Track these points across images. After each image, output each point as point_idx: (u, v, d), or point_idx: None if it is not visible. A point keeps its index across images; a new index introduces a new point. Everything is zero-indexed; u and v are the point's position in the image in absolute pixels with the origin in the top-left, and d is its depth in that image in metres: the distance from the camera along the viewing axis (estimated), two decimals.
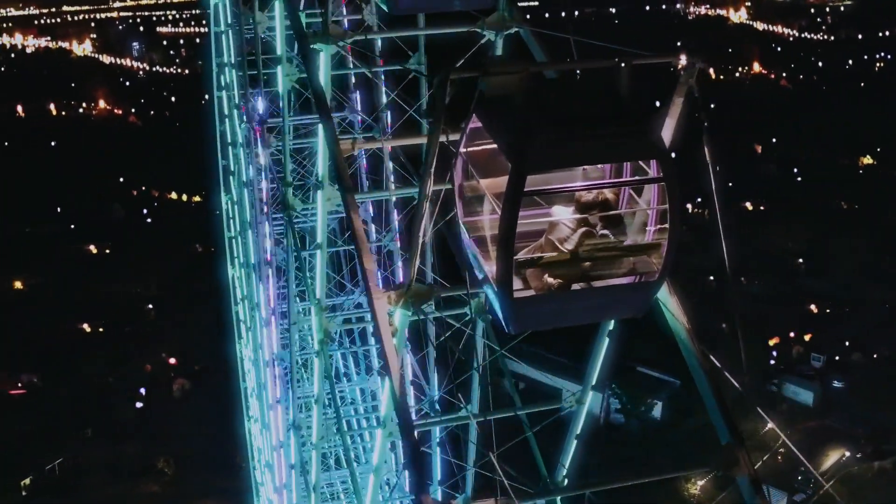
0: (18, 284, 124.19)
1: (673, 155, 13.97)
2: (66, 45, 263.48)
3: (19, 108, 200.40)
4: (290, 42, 24.49)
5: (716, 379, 15.78)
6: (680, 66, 13.98)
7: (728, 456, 15.57)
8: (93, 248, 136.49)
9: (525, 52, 20.81)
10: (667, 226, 13.66)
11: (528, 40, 20.71)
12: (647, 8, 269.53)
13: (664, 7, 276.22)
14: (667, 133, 14.14)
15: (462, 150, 14.07)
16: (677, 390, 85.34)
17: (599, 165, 14.72)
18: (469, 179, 14.36)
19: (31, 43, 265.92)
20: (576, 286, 14.24)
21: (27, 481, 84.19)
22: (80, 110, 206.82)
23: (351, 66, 32.96)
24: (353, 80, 34.55)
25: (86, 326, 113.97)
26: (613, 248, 14.31)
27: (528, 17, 20.87)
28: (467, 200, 14.57)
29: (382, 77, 30.74)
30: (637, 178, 14.34)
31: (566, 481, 21.69)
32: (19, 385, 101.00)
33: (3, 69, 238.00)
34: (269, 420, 39.64)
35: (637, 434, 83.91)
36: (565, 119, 13.03)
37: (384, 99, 30.24)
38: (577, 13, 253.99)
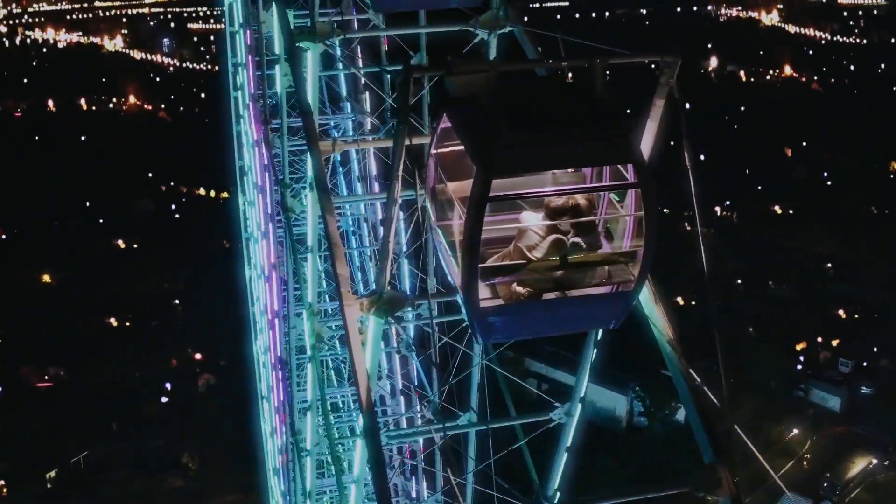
0: (46, 278, 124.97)
1: (651, 159, 13.55)
2: (97, 40, 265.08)
3: (50, 103, 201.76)
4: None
5: (700, 396, 15.37)
6: (659, 66, 13.30)
7: (710, 476, 15.00)
8: (121, 243, 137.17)
9: (522, 53, 20.23)
10: (643, 233, 13.12)
11: (522, 40, 20.05)
12: (679, 10, 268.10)
13: (695, 9, 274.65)
14: (647, 137, 13.66)
15: (433, 151, 13.64)
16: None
17: (572, 170, 14.34)
18: (440, 182, 13.93)
19: (63, 38, 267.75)
20: (548, 296, 13.70)
21: (52, 474, 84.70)
22: (111, 105, 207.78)
23: (341, 66, 32.90)
24: (363, 80, 34.20)
25: (112, 321, 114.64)
26: (585, 256, 13.80)
27: (525, 17, 20.27)
28: (439, 204, 14.17)
29: (362, 78, 30.60)
30: (610, 183, 13.84)
31: (557, 495, 21.33)
32: (46, 378, 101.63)
33: (34, 64, 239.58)
34: (274, 424, 39.67)
35: (660, 438, 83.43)
36: (534, 121, 12.41)
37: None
38: (606, 13, 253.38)
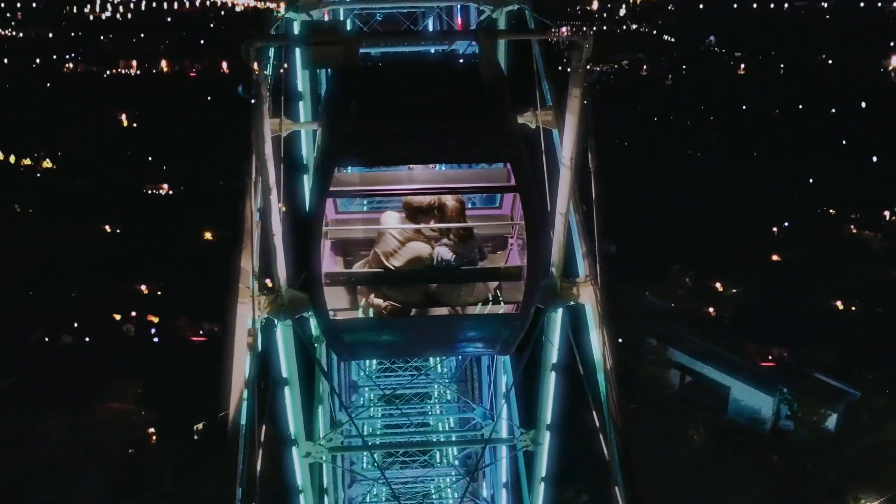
0: (208, 235, 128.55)
1: (574, 157, 11.63)
2: (272, 5, 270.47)
3: (224, 65, 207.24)
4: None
5: (625, 438, 12.79)
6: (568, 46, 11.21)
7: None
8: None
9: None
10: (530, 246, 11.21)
11: (530, 19, 17.76)
12: (862, 4, 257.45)
13: (879, 4, 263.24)
14: (568, 132, 11.71)
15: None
16: (856, 403, 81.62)
17: (441, 165, 12.71)
18: None
19: (241, 1, 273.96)
20: (418, 312, 11.99)
21: (200, 426, 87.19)
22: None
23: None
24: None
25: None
26: (449, 269, 11.91)
27: None
28: None
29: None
30: (482, 184, 12.25)
31: None
32: (201, 332, 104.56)
33: (211, 26, 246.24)
34: None
35: (806, 444, 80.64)
36: (391, 106, 10.73)
37: None
38: (785, 5, 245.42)
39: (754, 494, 72.94)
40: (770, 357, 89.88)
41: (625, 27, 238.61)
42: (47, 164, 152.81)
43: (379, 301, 12.11)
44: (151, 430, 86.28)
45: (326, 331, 12.02)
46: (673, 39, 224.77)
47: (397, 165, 12.08)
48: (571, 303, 12.87)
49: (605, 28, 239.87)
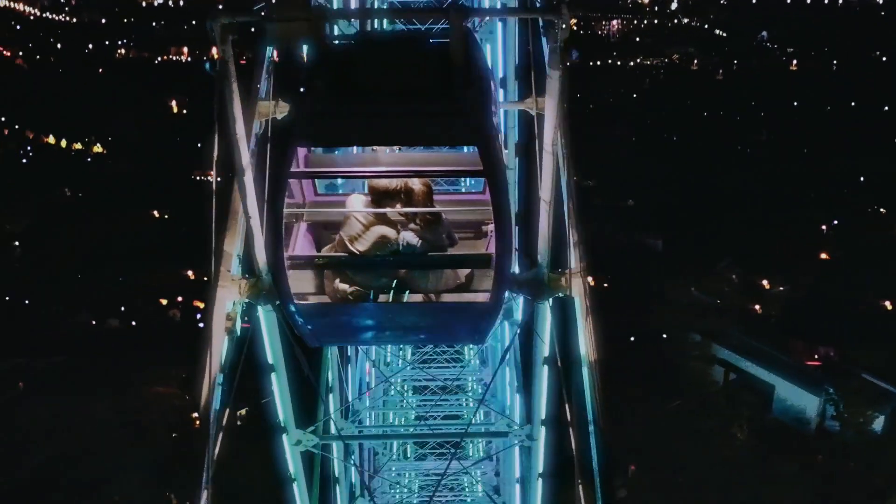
0: None
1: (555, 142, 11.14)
2: None
3: (274, 53, 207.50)
4: None
5: (607, 436, 11.92)
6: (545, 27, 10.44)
7: None
8: None
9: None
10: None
11: None
12: None
13: None
14: (548, 117, 11.07)
15: None
16: None
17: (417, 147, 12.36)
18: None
19: None
20: (384, 298, 11.69)
21: (243, 412, 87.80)
22: None
23: None
24: None
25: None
26: (415, 254, 11.67)
27: None
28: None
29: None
30: (449, 168, 11.93)
31: None
32: (246, 318, 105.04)
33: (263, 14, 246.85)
34: None
35: (852, 446, 79.68)
36: (358, 86, 10.44)
37: None
38: None
39: (797, 495, 72.23)
40: (817, 356, 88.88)
41: (676, 21, 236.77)
42: (98, 148, 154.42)
43: (345, 286, 11.91)
44: (195, 414, 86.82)
45: (290, 316, 11.86)
46: (724, 34, 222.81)
47: (359, 146, 12.15)
48: (560, 294, 12.52)
49: (655, 22, 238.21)
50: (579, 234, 12.28)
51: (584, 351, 12.46)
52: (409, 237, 11.81)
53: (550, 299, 12.74)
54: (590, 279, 12.60)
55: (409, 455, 38.39)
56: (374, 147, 12.43)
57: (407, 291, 11.78)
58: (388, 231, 11.85)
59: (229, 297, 12.78)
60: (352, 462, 26.37)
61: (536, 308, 13.46)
